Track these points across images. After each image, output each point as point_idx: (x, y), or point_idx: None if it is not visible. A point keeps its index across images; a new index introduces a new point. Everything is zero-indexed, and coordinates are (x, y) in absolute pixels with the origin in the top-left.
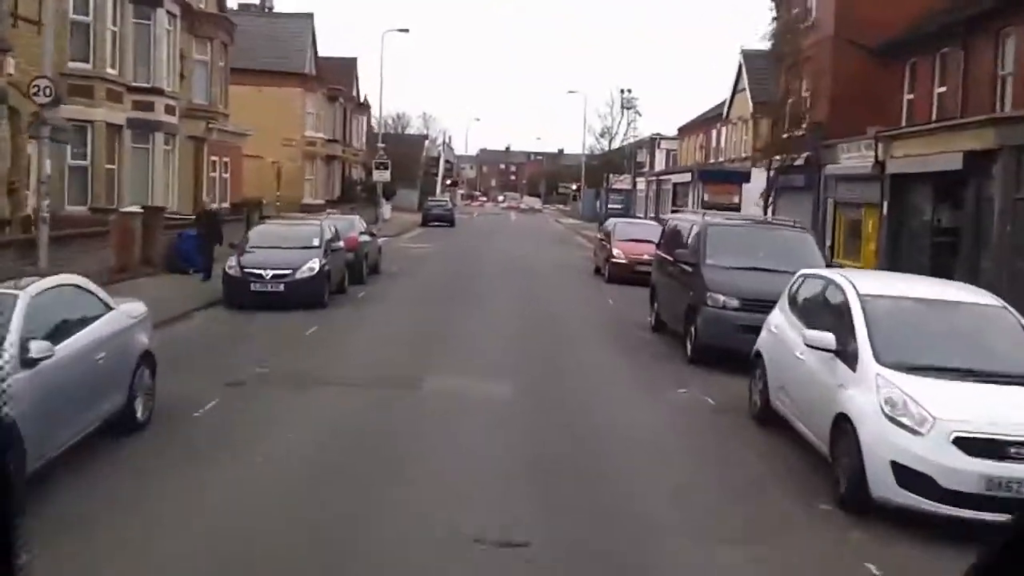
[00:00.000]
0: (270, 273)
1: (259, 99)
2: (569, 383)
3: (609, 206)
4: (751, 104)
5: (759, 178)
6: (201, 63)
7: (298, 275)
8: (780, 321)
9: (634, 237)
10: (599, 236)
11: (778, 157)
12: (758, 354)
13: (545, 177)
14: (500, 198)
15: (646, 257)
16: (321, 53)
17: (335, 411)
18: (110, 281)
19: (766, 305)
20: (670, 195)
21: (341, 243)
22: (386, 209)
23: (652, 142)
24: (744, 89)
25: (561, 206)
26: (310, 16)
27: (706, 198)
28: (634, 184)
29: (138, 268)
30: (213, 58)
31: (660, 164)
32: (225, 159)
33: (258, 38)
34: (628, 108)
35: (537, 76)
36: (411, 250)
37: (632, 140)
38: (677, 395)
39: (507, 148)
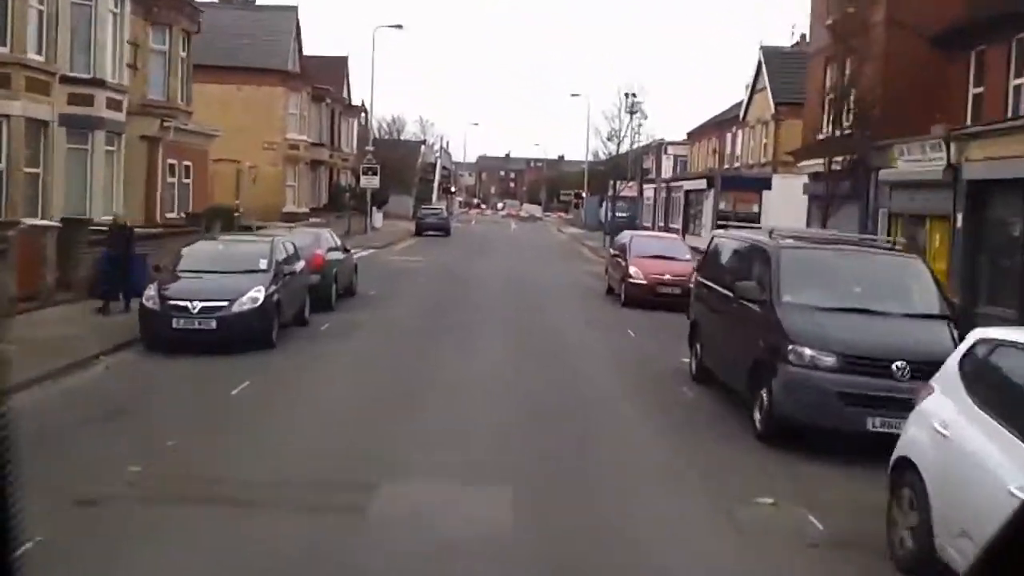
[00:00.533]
0: (198, 305)
1: (237, 99)
2: (596, 489)
3: (615, 215)
4: (772, 104)
5: (782, 186)
6: (158, 53)
7: (235, 308)
8: (954, 418)
9: (654, 253)
10: (612, 252)
11: (823, 161)
12: (906, 464)
13: (545, 184)
14: (499, 205)
15: (668, 278)
16: (310, 52)
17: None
18: (6, 313)
19: (878, 365)
20: (680, 203)
21: (302, 263)
22: (377, 218)
23: (659, 147)
24: (764, 88)
25: (563, 214)
26: (294, 9)
27: (723, 207)
28: (640, 192)
29: (51, 295)
30: (173, 48)
31: (667, 171)
32: (186, 162)
33: (237, 33)
34: (633, 113)
35: (537, 79)
36: (399, 264)
37: (640, 144)
38: (758, 509)
39: (507, 155)
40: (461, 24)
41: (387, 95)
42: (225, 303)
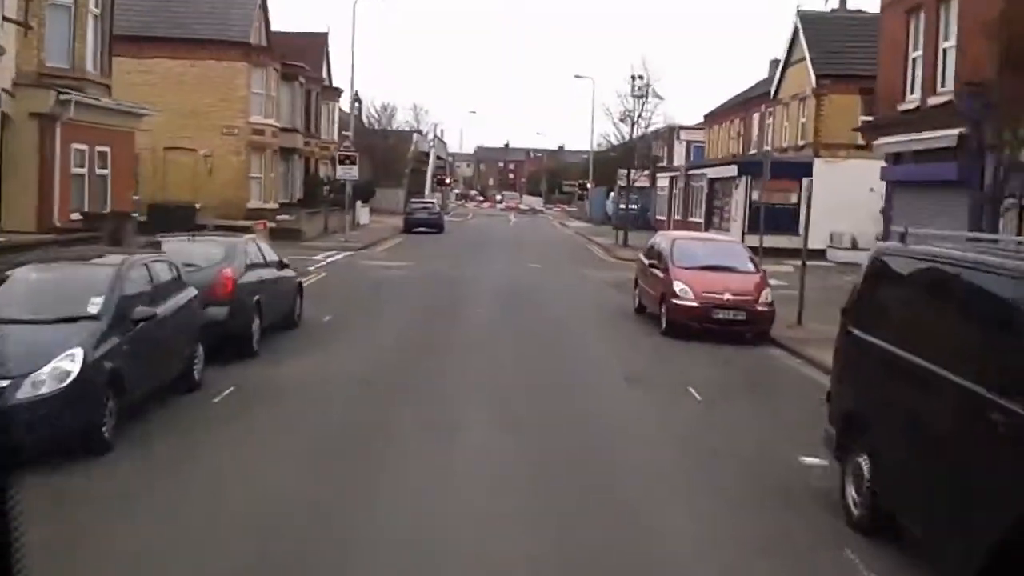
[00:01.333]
0: None
1: (192, 76)
2: None
3: (622, 207)
4: (813, 77)
5: (827, 172)
6: (59, 8)
7: (21, 393)
8: None
9: (705, 263)
10: (645, 259)
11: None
12: None
13: (546, 175)
14: (498, 198)
15: (728, 298)
16: (288, 29)
17: None
18: None
19: None
20: (702, 193)
21: (188, 294)
22: (363, 213)
23: (671, 133)
24: (802, 59)
25: (565, 207)
26: None
27: (756, 197)
28: (652, 181)
29: None
30: (83, 3)
31: (679, 158)
32: (102, 148)
33: (192, 1)
34: (641, 97)
35: (538, 63)
36: (376, 272)
37: (658, 126)
38: None
39: (506, 145)
40: (456, 5)
41: (377, 80)
42: (5, 383)
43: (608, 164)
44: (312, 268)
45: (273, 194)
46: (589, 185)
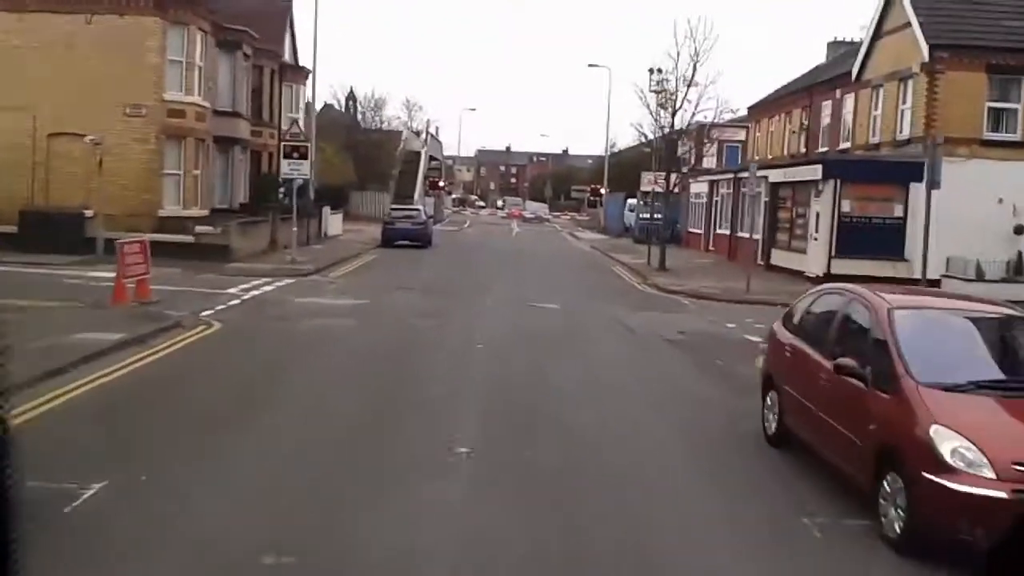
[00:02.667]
0: None
1: (87, 37)
2: None
3: (642, 217)
4: (925, 49)
5: (955, 175)
6: None
7: None
8: None
9: (992, 374)
10: (792, 339)
11: None
12: None
13: (551, 180)
14: (499, 203)
15: None
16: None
17: None
18: None
19: None
20: (758, 202)
21: None
22: (334, 221)
23: (700, 131)
24: (906, 26)
25: (575, 214)
26: None
27: (849, 208)
28: (683, 186)
29: None
30: None
31: (710, 161)
32: None
33: None
34: (659, 92)
35: (540, 63)
36: (306, 320)
37: (709, 113)
38: None
39: (507, 148)
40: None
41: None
42: None
43: (626, 167)
44: (208, 312)
45: (200, 197)
46: (603, 191)
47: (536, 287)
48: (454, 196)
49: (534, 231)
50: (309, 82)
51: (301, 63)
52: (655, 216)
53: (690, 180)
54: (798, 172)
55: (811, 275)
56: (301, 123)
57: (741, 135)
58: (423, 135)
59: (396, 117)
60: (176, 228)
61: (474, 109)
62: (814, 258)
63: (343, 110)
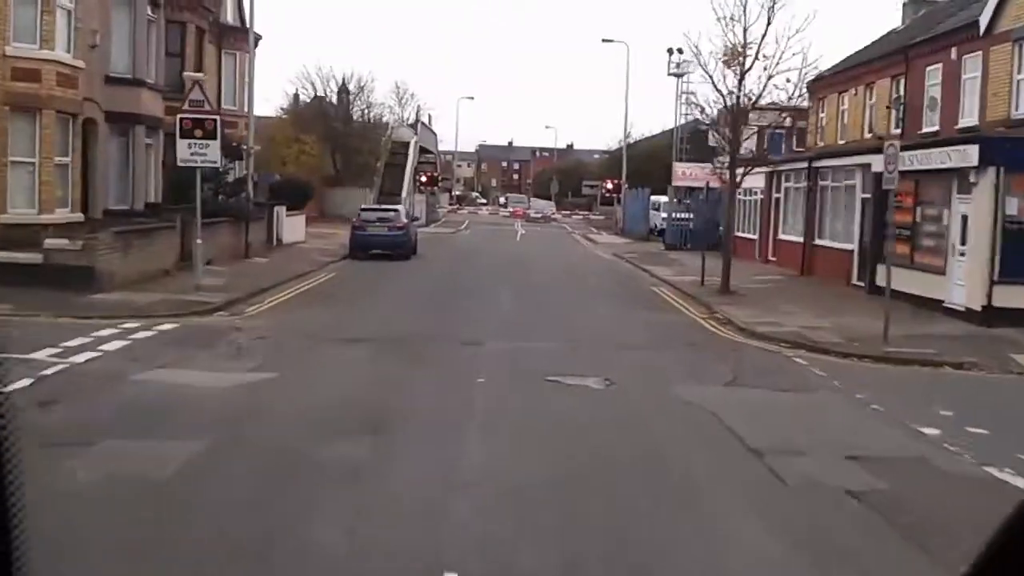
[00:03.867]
0: None
1: None
2: None
3: (676, 218)
4: None
5: None
6: None
7: None
8: None
9: None
10: None
11: None
12: None
13: (557, 175)
14: (501, 200)
15: None
16: None
17: None
18: None
19: None
20: (851, 200)
21: None
22: (290, 225)
23: (735, 115)
24: None
25: (588, 213)
26: None
27: (1014, 211)
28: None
29: None
30: None
31: (744, 149)
32: None
33: None
34: (679, 76)
35: (544, 48)
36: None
37: (800, 76)
38: None
39: (509, 143)
40: None
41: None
42: None
43: (641, 160)
44: None
45: (69, 196)
46: (622, 185)
47: (556, 332)
48: (455, 193)
49: (542, 233)
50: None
51: (244, 23)
52: (676, 215)
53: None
54: (927, 157)
55: (956, 307)
56: (235, 94)
57: (787, 119)
58: (415, 123)
59: (381, 103)
60: (27, 240)
61: (472, 98)
62: (961, 282)
63: (336, 102)
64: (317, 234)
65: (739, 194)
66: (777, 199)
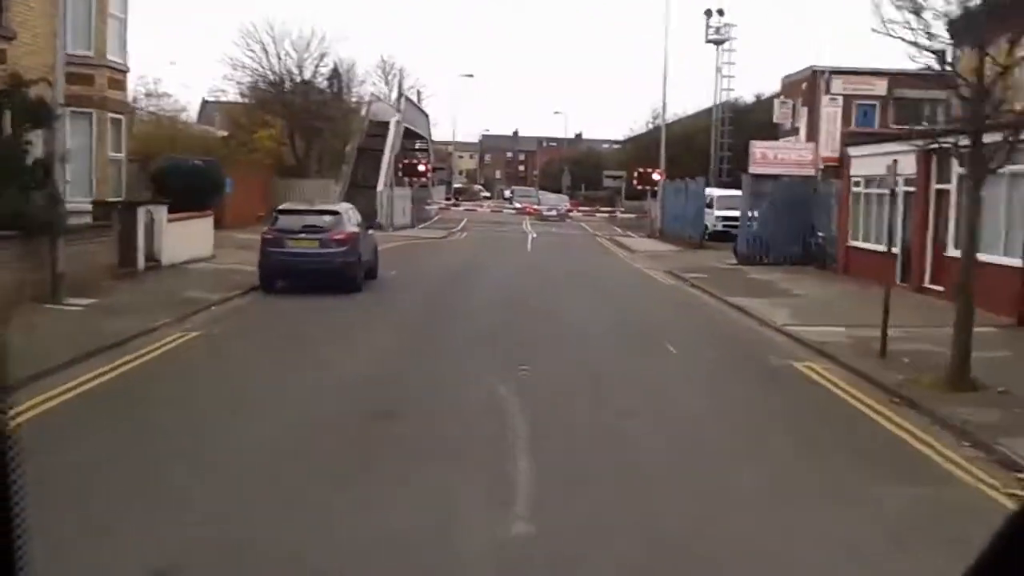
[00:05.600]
0: None
1: None
2: None
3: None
4: None
5: None
6: None
7: None
8: None
9: None
10: None
11: None
12: None
13: (568, 166)
14: (506, 193)
15: None
16: None
17: None
18: None
19: None
20: None
21: None
22: (181, 236)
23: (813, 78)
24: None
25: (612, 210)
26: None
27: None
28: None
29: None
30: None
31: (831, 121)
32: None
33: None
34: (720, 43)
35: (550, 31)
36: None
37: None
38: None
39: (514, 133)
40: None
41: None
42: None
43: (678, 144)
44: None
45: None
46: (658, 177)
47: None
48: (456, 186)
49: (558, 237)
50: None
51: None
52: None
53: (851, 154)
54: None
55: None
56: (91, 34)
57: (879, 85)
58: (399, 98)
59: (361, 80)
60: None
61: (472, 75)
62: None
63: (327, 88)
64: (246, 244)
65: (855, 186)
66: (942, 192)
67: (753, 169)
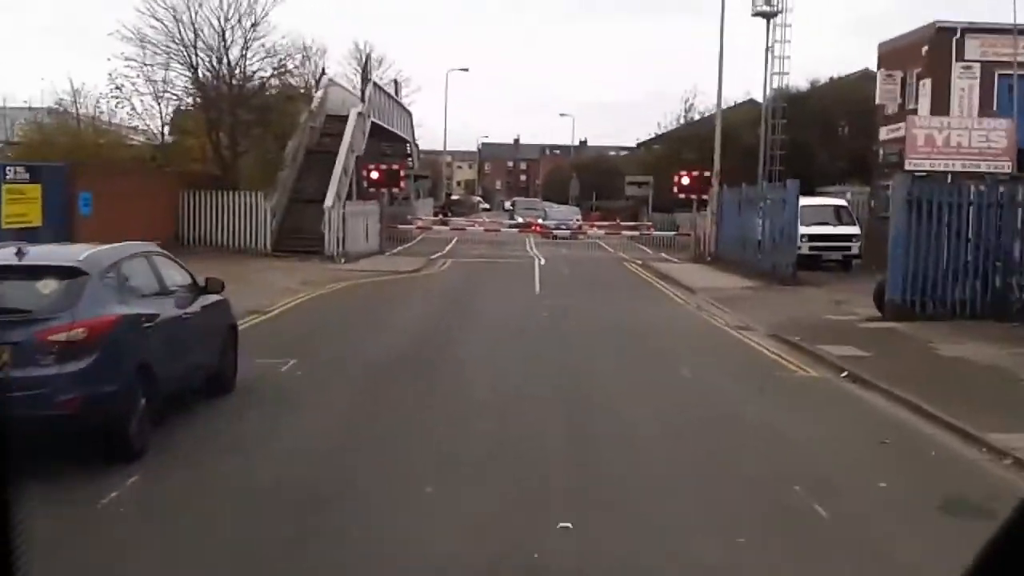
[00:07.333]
0: None
1: None
2: None
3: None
4: None
5: None
6: None
7: None
8: None
9: None
10: None
11: None
12: None
13: (576, 174)
14: (507, 205)
15: None
16: None
17: None
18: None
19: None
20: None
21: None
22: None
23: (938, 39)
24: None
25: (640, 225)
26: None
27: None
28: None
29: None
30: None
31: (961, 104)
32: None
33: None
34: (771, 16)
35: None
36: None
37: None
38: None
39: (515, 141)
40: None
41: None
42: None
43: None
44: None
45: None
46: (711, 181)
47: None
48: (455, 198)
49: (578, 266)
50: None
51: None
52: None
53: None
54: None
55: None
56: None
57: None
58: (364, 85)
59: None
60: None
61: (467, 69)
62: None
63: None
64: None
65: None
66: None
67: (913, 162)
